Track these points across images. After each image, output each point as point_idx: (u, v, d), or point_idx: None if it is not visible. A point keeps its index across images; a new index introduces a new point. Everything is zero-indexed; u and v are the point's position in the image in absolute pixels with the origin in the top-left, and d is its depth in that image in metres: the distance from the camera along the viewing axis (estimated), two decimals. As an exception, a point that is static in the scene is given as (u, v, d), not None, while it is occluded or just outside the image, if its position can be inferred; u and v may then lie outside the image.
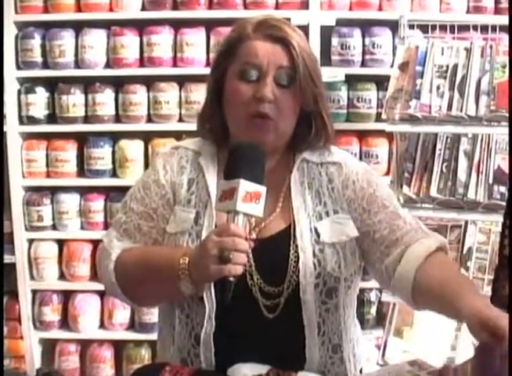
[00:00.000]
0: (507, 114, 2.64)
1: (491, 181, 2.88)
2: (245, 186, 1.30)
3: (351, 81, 3.35)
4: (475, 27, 2.91)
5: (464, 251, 3.14)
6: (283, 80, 1.49)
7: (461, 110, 2.77)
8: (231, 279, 1.29)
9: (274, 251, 1.51)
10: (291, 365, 1.46)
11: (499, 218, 1.60)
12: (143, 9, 3.33)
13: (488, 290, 1.77)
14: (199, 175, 1.56)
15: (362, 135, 3.39)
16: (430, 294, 1.40)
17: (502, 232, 1.58)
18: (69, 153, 3.39)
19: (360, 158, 3.28)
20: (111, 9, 3.32)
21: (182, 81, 3.38)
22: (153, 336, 2.12)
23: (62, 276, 3.48)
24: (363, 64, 3.35)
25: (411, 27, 2.98)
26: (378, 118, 3.25)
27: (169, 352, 1.59)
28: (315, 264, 1.49)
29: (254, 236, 1.50)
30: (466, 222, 3.09)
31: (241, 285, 1.45)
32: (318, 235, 1.51)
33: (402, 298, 1.51)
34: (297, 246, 1.49)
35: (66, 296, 3.49)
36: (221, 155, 1.57)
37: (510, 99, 1.23)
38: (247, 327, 1.49)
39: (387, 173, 3.24)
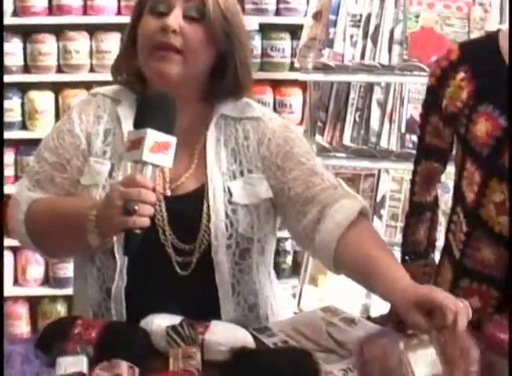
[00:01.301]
0: (419, 64, 2.67)
1: (403, 130, 2.92)
2: (153, 135, 1.25)
3: (265, 30, 3.32)
4: (389, -23, 2.91)
5: (378, 200, 3.20)
6: (192, 12, 1.42)
7: (374, 59, 2.78)
8: (137, 231, 1.25)
9: (187, 210, 1.48)
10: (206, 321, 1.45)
11: (411, 167, 1.62)
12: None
13: (400, 237, 1.81)
14: (116, 125, 1.50)
15: (276, 84, 3.37)
16: (353, 270, 1.37)
17: (412, 179, 1.60)
18: (-25, 105, 3.25)
19: (274, 108, 3.27)
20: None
21: (92, 30, 3.27)
22: (69, 291, 2.08)
23: (-30, 232, 3.37)
24: (277, 13, 3.31)
25: (325, -25, 2.95)
26: (292, 68, 3.24)
27: (82, 305, 1.55)
28: (226, 225, 1.46)
29: (168, 192, 1.47)
30: (380, 171, 3.14)
31: (153, 239, 1.42)
32: (231, 195, 1.48)
33: (322, 264, 1.49)
34: (209, 206, 1.47)
35: (-23, 253, 3.39)
36: None
37: (510, 87, 1.25)
38: (160, 283, 1.46)
39: (301, 123, 3.24)
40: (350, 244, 1.36)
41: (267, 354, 1.29)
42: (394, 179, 3.18)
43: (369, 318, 1.60)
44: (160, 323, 1.35)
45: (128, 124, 1.45)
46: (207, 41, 1.45)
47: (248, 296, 1.54)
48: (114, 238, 1.39)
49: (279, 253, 3.50)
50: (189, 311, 1.40)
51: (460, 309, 1.10)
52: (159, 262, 1.46)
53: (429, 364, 1.01)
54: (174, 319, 1.36)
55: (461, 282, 1.40)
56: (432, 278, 1.59)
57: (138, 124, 1.30)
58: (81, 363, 1.22)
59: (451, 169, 1.55)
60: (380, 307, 1.89)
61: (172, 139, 1.28)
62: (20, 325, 3.37)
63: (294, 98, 3.34)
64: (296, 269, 3.51)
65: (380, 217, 3.13)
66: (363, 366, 1.13)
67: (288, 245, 3.52)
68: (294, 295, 3.37)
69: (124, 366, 1.22)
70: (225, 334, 1.31)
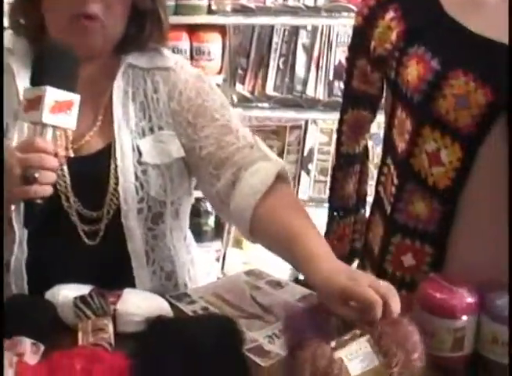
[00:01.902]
0: (348, 4, 2.67)
1: (331, 77, 2.94)
2: (53, 93, 1.21)
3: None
4: None
5: (305, 153, 3.22)
6: None
7: (299, 0, 2.77)
8: (38, 201, 1.22)
9: (92, 172, 1.44)
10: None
11: (339, 117, 1.62)
12: None
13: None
14: (9, 79, 1.44)
15: (193, 29, 3.31)
16: (271, 242, 1.37)
17: (339, 128, 1.61)
18: None
19: (191, 56, 3.22)
20: None
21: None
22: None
23: None
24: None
25: None
26: (210, 11, 3.19)
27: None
28: (137, 187, 1.44)
29: (71, 153, 1.43)
30: (307, 122, 3.15)
31: (56, 207, 1.40)
32: (140, 154, 1.46)
33: (239, 231, 1.48)
34: (116, 167, 1.44)
35: None
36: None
37: (511, 85, 1.24)
38: (65, 255, 1.44)
39: (221, 71, 3.21)
40: (267, 213, 1.36)
41: (185, 323, 1.28)
42: (323, 131, 3.21)
43: (296, 280, 1.61)
44: (67, 293, 1.33)
45: (21, 79, 1.40)
46: (128, 2, 1.41)
47: (164, 264, 1.54)
48: (12, 207, 1.35)
49: (199, 214, 3.49)
50: (100, 284, 1.38)
51: (388, 296, 1.08)
52: (63, 232, 1.43)
53: (365, 358, 1.02)
54: (83, 290, 1.34)
55: (393, 238, 1.42)
56: (363, 235, 1.62)
57: (36, 80, 1.25)
58: (-23, 342, 1.19)
59: (383, 119, 1.56)
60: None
61: (75, 97, 1.24)
62: None
63: (213, 44, 3.29)
64: (219, 232, 3.52)
65: (308, 172, 3.16)
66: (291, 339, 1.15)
67: (210, 205, 3.51)
68: (218, 259, 3.38)
69: (26, 343, 1.19)
70: (139, 303, 1.30)
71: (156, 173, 1.46)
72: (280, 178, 1.40)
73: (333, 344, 1.05)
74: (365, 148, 1.65)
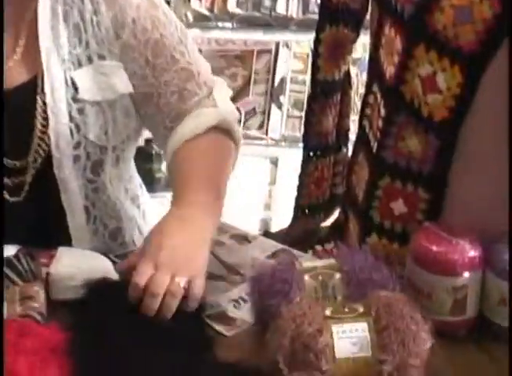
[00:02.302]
0: None
1: (305, -11, 2.91)
2: None
3: None
4: None
5: (276, 83, 3.20)
6: None
7: None
8: None
9: (14, 111, 1.39)
10: None
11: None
12: None
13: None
14: None
15: None
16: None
17: (315, 51, 1.59)
18: None
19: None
20: None
21: None
22: None
23: None
24: None
25: None
26: None
27: None
28: (71, 130, 1.41)
29: None
30: (277, 45, 3.13)
31: None
32: (76, 90, 1.42)
33: None
34: (45, 104, 1.40)
35: None
36: None
37: (510, 91, 1.22)
38: None
39: (173, -16, 3.16)
40: (177, 163, 1.44)
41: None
42: (297, 56, 3.19)
43: (266, 234, 1.61)
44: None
45: None
46: None
47: (109, 221, 1.54)
48: None
49: (151, 159, 3.47)
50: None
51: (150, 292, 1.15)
52: None
53: (357, 343, 1.02)
54: (8, 250, 1.32)
55: (380, 181, 1.41)
56: (344, 179, 1.62)
57: None
58: None
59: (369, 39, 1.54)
60: (283, 220, 1.91)
61: None
62: None
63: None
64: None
65: (280, 106, 3.15)
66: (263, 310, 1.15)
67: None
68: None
69: None
70: (77, 265, 1.28)
71: (95, 112, 1.43)
72: (219, 130, 1.47)
73: (327, 311, 1.05)
74: (347, 74, 1.63)
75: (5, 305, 1.22)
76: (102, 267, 1.33)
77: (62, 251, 1.33)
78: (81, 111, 1.43)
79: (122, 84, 1.45)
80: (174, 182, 1.41)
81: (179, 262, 1.19)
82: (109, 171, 1.50)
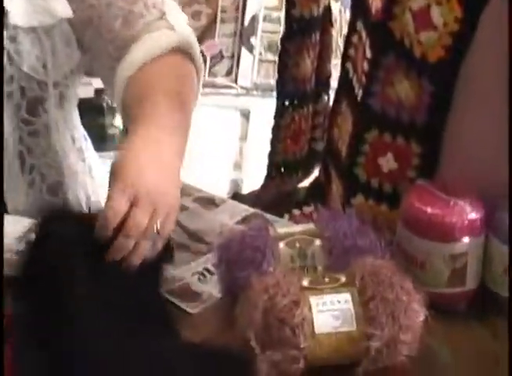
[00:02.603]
0: None
1: None
2: None
3: None
4: None
5: (246, 23, 3.19)
6: None
7: None
8: None
9: None
10: None
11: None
12: None
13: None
14: None
15: None
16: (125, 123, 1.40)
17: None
18: None
19: None
20: None
21: None
22: None
23: None
24: None
25: None
26: None
27: None
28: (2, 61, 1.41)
29: None
30: (247, -22, 3.12)
31: None
32: (6, 14, 1.39)
33: None
34: None
35: None
36: None
37: (511, 87, 1.19)
38: None
39: None
40: (131, 90, 1.38)
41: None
42: (270, -11, 3.17)
43: (236, 196, 1.61)
44: None
45: None
46: None
47: (48, 171, 1.53)
48: None
49: (103, 112, 3.46)
50: None
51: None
52: None
53: (340, 317, 1.02)
54: None
55: (367, 133, 1.41)
56: (325, 132, 1.61)
57: None
58: None
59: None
60: (256, 181, 1.91)
61: None
62: None
63: None
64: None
65: (251, 49, 3.14)
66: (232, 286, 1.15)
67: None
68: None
69: None
70: (8, 231, 1.28)
71: (31, 40, 1.43)
72: (177, 51, 1.41)
73: (305, 282, 1.05)
74: (328, 10, 1.63)
75: None
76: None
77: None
78: (12, 39, 1.41)
79: (61, 7, 1.44)
80: (131, 106, 1.33)
81: (157, 196, 1.15)
82: (52, 112, 1.49)
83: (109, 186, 1.14)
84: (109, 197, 1.11)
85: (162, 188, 1.16)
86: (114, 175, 1.13)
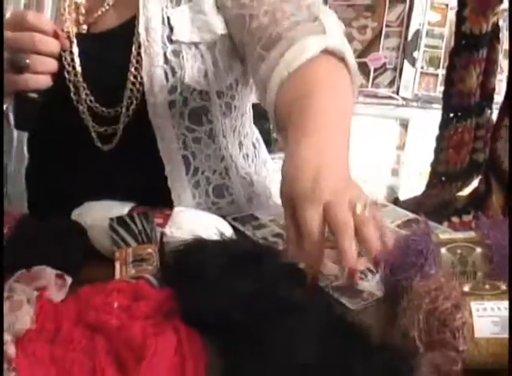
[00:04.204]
0: None
1: None
2: None
3: None
4: None
5: (409, 37, 3.16)
6: None
7: None
8: (33, 95, 1.23)
9: (109, 54, 1.44)
10: None
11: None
12: None
13: (441, 89, 1.78)
14: None
15: None
16: (281, 126, 1.32)
17: (460, -1, 1.56)
18: None
19: None
20: None
21: None
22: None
23: None
24: None
25: None
26: None
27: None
28: (166, 73, 1.43)
29: (83, 30, 1.42)
30: (412, -5, 3.09)
31: (62, 102, 1.40)
32: (171, 30, 1.43)
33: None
34: (140, 46, 1.41)
35: None
36: None
37: (510, 91, 1.18)
38: (75, 164, 1.46)
39: None
40: (287, 93, 1.30)
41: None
42: (434, 6, 3.14)
43: (396, 201, 1.60)
44: (100, 213, 1.34)
45: None
46: None
47: (212, 175, 1.55)
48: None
49: (267, 117, 3.48)
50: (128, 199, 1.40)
51: (337, 232, 1.05)
52: (71, 135, 1.45)
53: (499, 323, 1.00)
54: (120, 208, 1.35)
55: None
56: (487, 145, 1.59)
57: None
58: (-14, 272, 1.21)
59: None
60: (411, 189, 1.90)
61: None
62: None
63: None
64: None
65: (413, 62, 3.11)
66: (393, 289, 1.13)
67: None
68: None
69: (50, 275, 1.21)
70: (194, 227, 1.29)
71: (192, 55, 1.44)
72: (330, 55, 1.33)
73: (466, 287, 1.03)
74: (496, 27, 1.60)
75: (117, 265, 1.25)
76: (220, 231, 1.34)
77: (178, 212, 1.34)
78: (176, 53, 1.43)
79: (222, 24, 1.45)
80: (288, 111, 1.24)
81: (341, 187, 1.08)
82: (217, 120, 1.51)
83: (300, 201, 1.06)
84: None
85: (345, 184, 1.10)
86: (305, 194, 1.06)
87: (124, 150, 1.46)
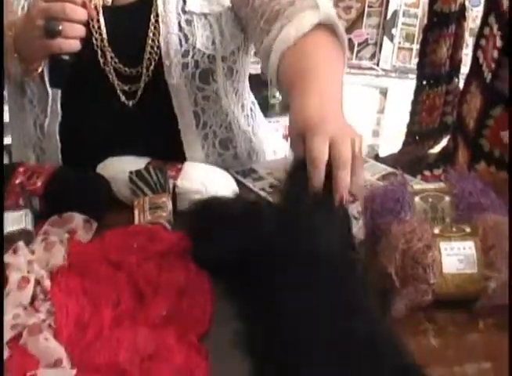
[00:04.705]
0: None
1: None
2: None
3: None
4: None
5: (388, 16, 3.14)
6: None
7: None
8: (65, 57, 1.23)
9: (131, 23, 1.44)
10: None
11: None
12: None
13: (416, 62, 1.77)
14: None
15: None
16: (284, 90, 1.30)
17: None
18: None
19: None
20: None
21: None
22: (7, 140, 2.07)
23: None
24: None
25: None
26: None
27: (20, 150, 1.57)
28: (180, 39, 1.43)
29: (109, 1, 1.41)
30: (391, -22, 3.06)
31: (91, 64, 1.41)
32: (184, 2, 1.43)
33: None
34: (158, 15, 1.42)
35: None
36: None
37: (511, 91, 1.16)
38: (103, 119, 1.46)
39: None
40: (289, 60, 1.29)
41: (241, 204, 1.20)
42: (410, -11, 3.11)
43: (377, 158, 1.59)
44: (120, 167, 1.34)
45: None
46: None
47: (219, 129, 1.55)
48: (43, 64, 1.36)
49: (266, 85, 3.46)
50: (144, 151, 1.41)
51: (338, 165, 1.02)
52: (99, 91, 1.45)
53: (464, 260, 1.01)
54: (139, 163, 1.35)
55: (492, 110, 1.37)
56: (455, 109, 1.58)
57: None
58: (24, 218, 1.20)
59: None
60: (390, 147, 1.89)
61: None
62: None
63: None
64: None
65: (392, 38, 3.09)
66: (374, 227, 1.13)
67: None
68: (287, 138, 3.36)
69: (79, 219, 1.21)
70: (202, 179, 1.29)
71: (202, 23, 1.45)
72: (323, 27, 1.33)
73: (436, 230, 1.03)
74: (463, 6, 1.58)
75: (136, 211, 1.25)
76: (224, 182, 1.34)
77: (188, 166, 1.34)
78: (188, 22, 1.44)
79: None
80: (290, 74, 1.25)
81: (344, 129, 1.08)
82: (222, 82, 1.51)
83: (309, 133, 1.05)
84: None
85: (346, 126, 1.10)
86: (315, 126, 1.05)
87: (145, 106, 1.46)
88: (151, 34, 1.42)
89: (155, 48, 1.42)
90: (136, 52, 1.43)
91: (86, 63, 1.33)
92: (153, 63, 1.43)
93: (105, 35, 1.42)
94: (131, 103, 1.46)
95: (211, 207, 1.18)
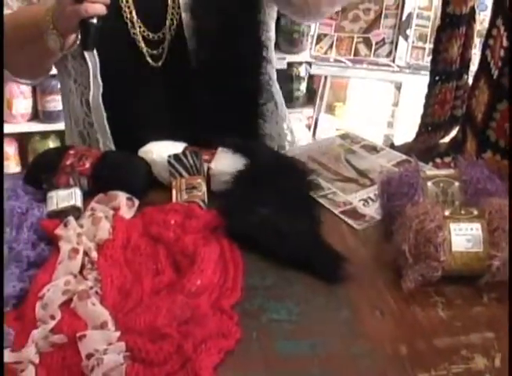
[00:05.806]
0: None
1: None
2: None
3: None
4: None
5: (403, 18, 3.11)
6: None
7: None
8: (93, 21, 1.24)
9: None
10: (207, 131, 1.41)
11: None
12: None
13: (428, 60, 1.75)
14: None
15: None
16: None
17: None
18: None
19: None
20: None
21: None
22: (61, 126, 2.06)
23: None
24: None
25: None
26: None
27: (70, 130, 1.57)
28: None
29: None
30: (407, -16, 3.03)
31: (122, 36, 1.42)
32: None
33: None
34: None
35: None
36: None
37: (511, 94, 1.14)
38: (138, 82, 1.46)
39: None
40: None
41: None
42: (424, -7, 3.08)
43: (392, 146, 1.58)
44: (161, 151, 1.34)
45: None
46: None
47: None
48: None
49: (291, 79, 3.45)
50: (173, 109, 1.44)
51: None
52: (132, 59, 1.45)
53: (471, 240, 1.00)
54: (177, 147, 1.34)
55: (498, 104, 1.35)
56: (464, 103, 1.56)
57: None
58: (74, 196, 1.21)
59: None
60: (403, 137, 1.87)
61: None
62: (8, 165, 3.35)
63: None
64: (311, 97, 3.47)
65: (406, 37, 3.06)
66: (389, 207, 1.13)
67: (302, 70, 3.45)
68: (309, 127, 3.36)
69: (122, 198, 1.21)
70: (233, 163, 1.29)
71: None
72: None
73: (446, 212, 1.02)
74: (473, 9, 1.56)
75: (174, 191, 1.25)
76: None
77: (221, 151, 1.34)
78: None
79: None
80: None
81: None
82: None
83: None
84: None
85: None
86: None
87: (170, 67, 1.45)
88: (170, 1, 1.42)
89: (175, 14, 1.42)
90: (160, 19, 1.43)
91: (118, 34, 1.37)
92: (174, 27, 1.43)
93: (132, 7, 1.42)
94: (157, 65, 1.45)
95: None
